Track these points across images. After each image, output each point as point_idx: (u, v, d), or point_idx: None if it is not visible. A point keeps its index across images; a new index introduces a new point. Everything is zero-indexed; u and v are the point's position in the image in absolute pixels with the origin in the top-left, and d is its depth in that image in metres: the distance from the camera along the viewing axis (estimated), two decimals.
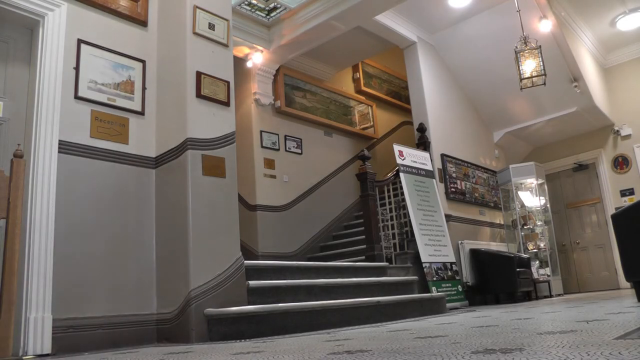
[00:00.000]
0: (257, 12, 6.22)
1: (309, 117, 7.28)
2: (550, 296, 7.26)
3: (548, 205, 7.96)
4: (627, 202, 7.73)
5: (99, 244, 3.13)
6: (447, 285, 5.66)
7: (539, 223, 7.70)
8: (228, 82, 3.64)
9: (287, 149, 6.91)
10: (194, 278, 3.08)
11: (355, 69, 8.51)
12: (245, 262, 3.43)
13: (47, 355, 2.70)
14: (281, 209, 6.58)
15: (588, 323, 2.15)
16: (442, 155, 6.86)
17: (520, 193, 7.86)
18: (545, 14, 6.42)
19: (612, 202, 8.09)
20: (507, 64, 6.57)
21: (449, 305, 5.15)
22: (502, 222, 7.92)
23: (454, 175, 7.01)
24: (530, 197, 7.85)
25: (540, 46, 5.59)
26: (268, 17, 6.33)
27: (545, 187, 8.06)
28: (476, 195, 7.43)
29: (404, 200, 5.83)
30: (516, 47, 5.63)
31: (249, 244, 6.12)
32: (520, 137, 8.63)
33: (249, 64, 6.57)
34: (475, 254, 6.62)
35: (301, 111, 7.20)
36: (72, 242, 3.00)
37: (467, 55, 7.35)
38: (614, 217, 3.96)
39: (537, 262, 7.40)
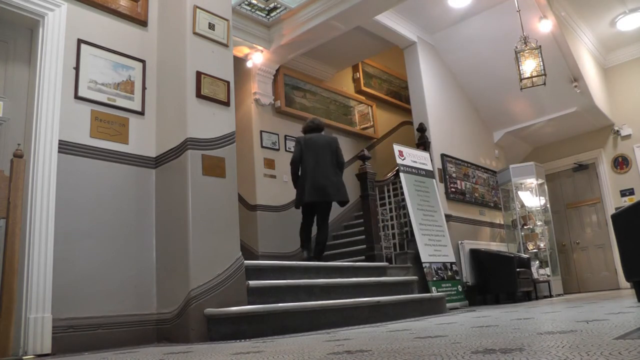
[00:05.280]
0: (257, 12, 6.22)
1: (309, 117, 7.27)
2: (550, 296, 7.26)
3: (548, 205, 7.96)
4: (627, 202, 7.73)
5: (99, 244, 3.13)
6: (447, 285, 5.66)
7: (539, 223, 7.70)
8: (228, 82, 3.64)
9: (287, 149, 6.91)
10: (194, 278, 3.08)
11: (355, 69, 8.51)
12: (245, 262, 3.42)
13: (47, 355, 2.70)
14: (281, 209, 6.58)
15: (588, 323, 2.15)
16: (442, 155, 6.86)
17: (520, 193, 7.85)
18: (545, 14, 6.42)
19: (612, 202, 8.09)
20: (507, 64, 6.56)
21: (449, 305, 5.15)
22: (502, 222, 7.91)
23: (454, 175, 7.01)
24: (530, 197, 7.85)
25: (540, 46, 5.59)
26: (268, 17, 6.33)
27: (545, 187, 8.06)
28: (476, 195, 7.44)
29: (404, 200, 5.83)
30: (516, 47, 5.63)
31: (249, 244, 6.12)
32: (520, 137, 8.63)
33: (249, 64, 6.57)
34: (475, 254, 6.62)
35: (301, 111, 7.19)
36: (72, 242, 3.00)
37: (467, 55, 7.35)
38: (614, 217, 3.96)
39: (537, 262, 7.40)
